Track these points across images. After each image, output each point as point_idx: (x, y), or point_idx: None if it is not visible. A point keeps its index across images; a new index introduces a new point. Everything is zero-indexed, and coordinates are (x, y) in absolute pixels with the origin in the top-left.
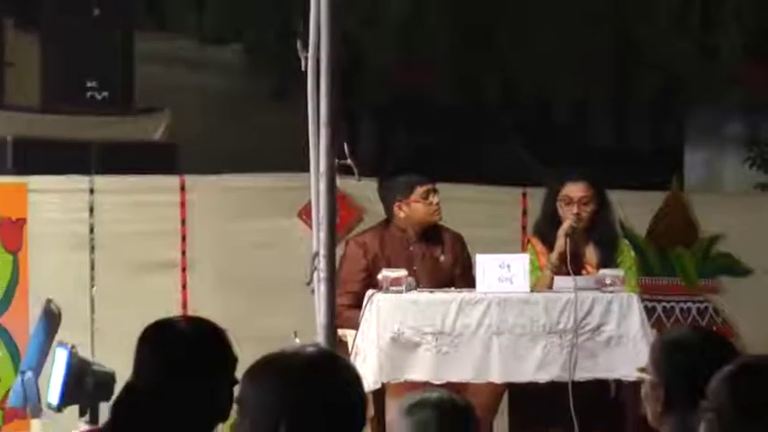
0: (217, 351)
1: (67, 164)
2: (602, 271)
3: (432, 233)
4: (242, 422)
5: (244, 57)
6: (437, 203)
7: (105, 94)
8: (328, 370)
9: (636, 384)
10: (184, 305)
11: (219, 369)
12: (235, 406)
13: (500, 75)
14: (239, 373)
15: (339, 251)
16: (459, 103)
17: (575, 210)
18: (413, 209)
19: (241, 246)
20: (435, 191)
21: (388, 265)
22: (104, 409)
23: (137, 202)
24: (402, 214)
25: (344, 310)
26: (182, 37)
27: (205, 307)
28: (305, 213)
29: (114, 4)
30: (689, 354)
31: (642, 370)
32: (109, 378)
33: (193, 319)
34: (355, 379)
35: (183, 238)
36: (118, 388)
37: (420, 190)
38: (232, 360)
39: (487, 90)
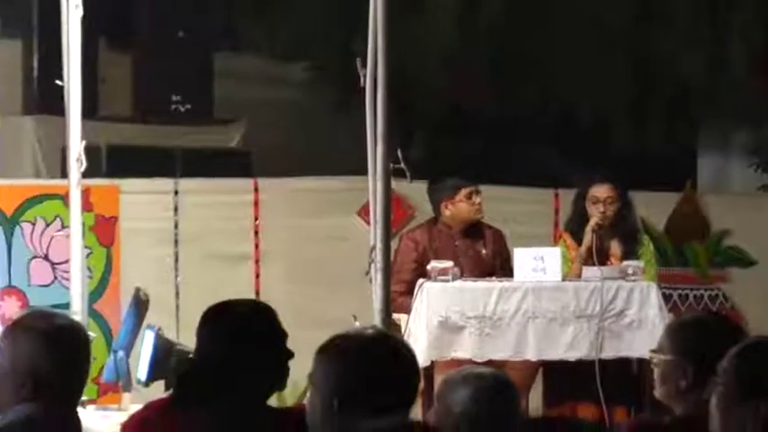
0: (266, 326)
1: (154, 168)
2: (625, 262)
3: (474, 229)
4: (312, 394)
5: (311, 73)
6: (479, 203)
7: (188, 106)
8: (385, 347)
9: None
10: (257, 293)
11: (270, 342)
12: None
13: (535, 89)
14: (312, 353)
15: (393, 245)
16: (499, 113)
17: (601, 208)
18: (458, 208)
19: (307, 240)
20: (478, 192)
21: (436, 258)
22: None
23: (215, 202)
24: (448, 212)
25: (398, 297)
26: (255, 56)
27: (275, 294)
28: (364, 212)
29: (197, 26)
30: (703, 334)
31: (655, 351)
32: (177, 353)
33: (246, 301)
34: (409, 356)
35: (256, 234)
36: None
37: (464, 191)
38: (281, 334)
39: (523, 101)
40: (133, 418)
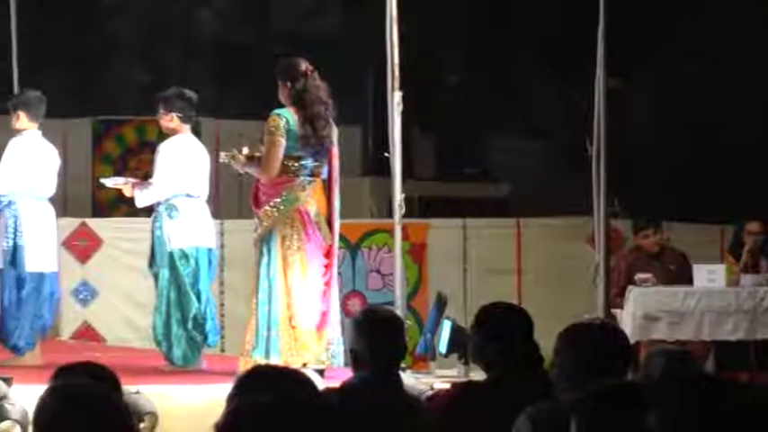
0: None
1: (451, 211)
2: None
3: (665, 252)
4: (558, 363)
5: (548, 147)
6: (657, 239)
7: (473, 170)
8: (607, 331)
9: None
10: (519, 297)
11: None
12: None
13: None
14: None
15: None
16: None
17: (753, 238)
18: (644, 241)
19: (554, 259)
20: (655, 232)
21: (639, 271)
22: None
23: (491, 234)
24: (644, 242)
25: (615, 298)
26: (512, 135)
27: (532, 298)
28: (591, 240)
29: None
30: None
31: None
32: (466, 337)
33: (507, 304)
34: (623, 336)
35: (518, 254)
36: None
37: (642, 232)
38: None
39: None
40: (442, 392)
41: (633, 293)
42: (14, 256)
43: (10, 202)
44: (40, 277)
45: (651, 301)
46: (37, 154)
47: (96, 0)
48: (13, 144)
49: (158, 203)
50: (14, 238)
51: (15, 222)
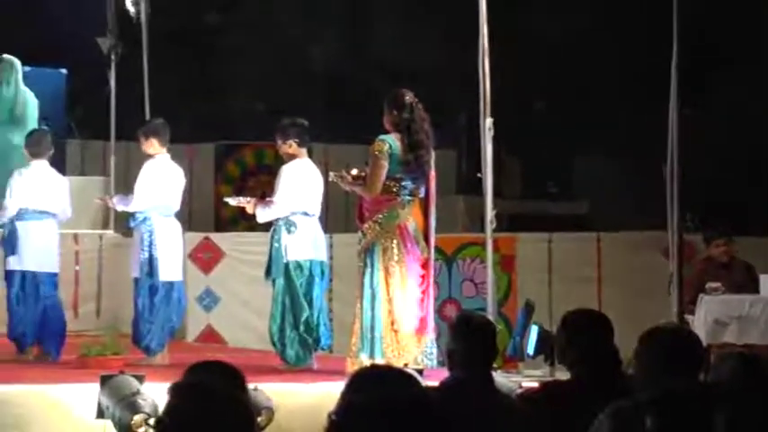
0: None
1: (535, 227)
2: None
3: (733, 262)
4: (636, 364)
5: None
6: (727, 248)
7: (556, 189)
8: (682, 334)
9: None
10: (599, 304)
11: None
12: None
13: None
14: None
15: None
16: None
17: None
18: (715, 251)
19: (631, 269)
20: (726, 242)
21: (711, 280)
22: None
23: (573, 247)
24: (715, 252)
25: (688, 305)
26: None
27: (611, 306)
28: (664, 251)
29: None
30: None
31: None
32: (552, 340)
33: (588, 310)
34: (696, 340)
35: (599, 265)
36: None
37: (714, 242)
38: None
39: None
40: (530, 390)
41: (704, 301)
42: (150, 266)
43: (145, 218)
44: (171, 286)
45: (720, 308)
46: (168, 175)
47: (218, 37)
48: (148, 166)
49: (278, 219)
50: (150, 250)
51: (150, 236)
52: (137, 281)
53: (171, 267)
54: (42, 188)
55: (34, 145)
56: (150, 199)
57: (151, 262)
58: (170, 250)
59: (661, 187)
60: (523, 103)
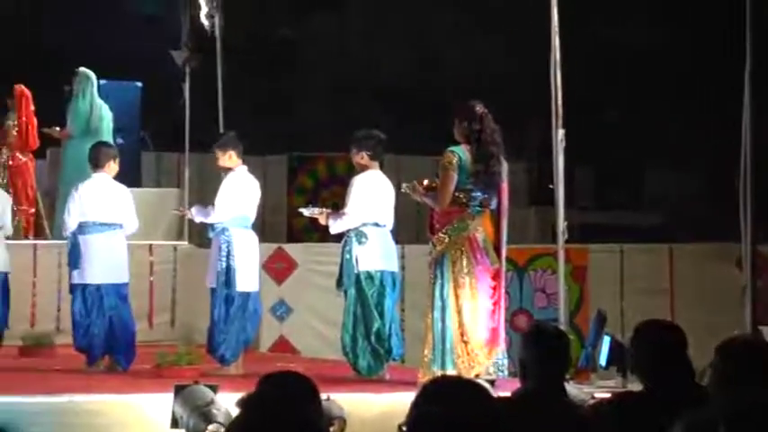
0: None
1: (606, 237)
2: None
3: None
4: (713, 379)
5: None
6: None
7: (628, 199)
8: (754, 345)
9: None
10: (672, 314)
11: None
12: None
13: None
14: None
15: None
16: None
17: None
18: None
19: (704, 280)
20: None
21: None
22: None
23: (644, 260)
24: None
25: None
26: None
27: (684, 317)
28: (738, 263)
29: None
30: None
31: None
32: (624, 350)
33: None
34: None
35: (671, 276)
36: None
37: None
38: None
39: None
40: (603, 401)
41: None
42: (227, 276)
43: (223, 229)
44: (246, 296)
45: None
46: (247, 187)
47: (291, 50)
48: (230, 179)
49: (349, 230)
50: (227, 261)
51: (228, 247)
52: (213, 291)
53: (247, 278)
54: (103, 200)
55: (93, 158)
56: (231, 210)
57: (228, 272)
58: (247, 261)
59: (734, 198)
60: (595, 115)
